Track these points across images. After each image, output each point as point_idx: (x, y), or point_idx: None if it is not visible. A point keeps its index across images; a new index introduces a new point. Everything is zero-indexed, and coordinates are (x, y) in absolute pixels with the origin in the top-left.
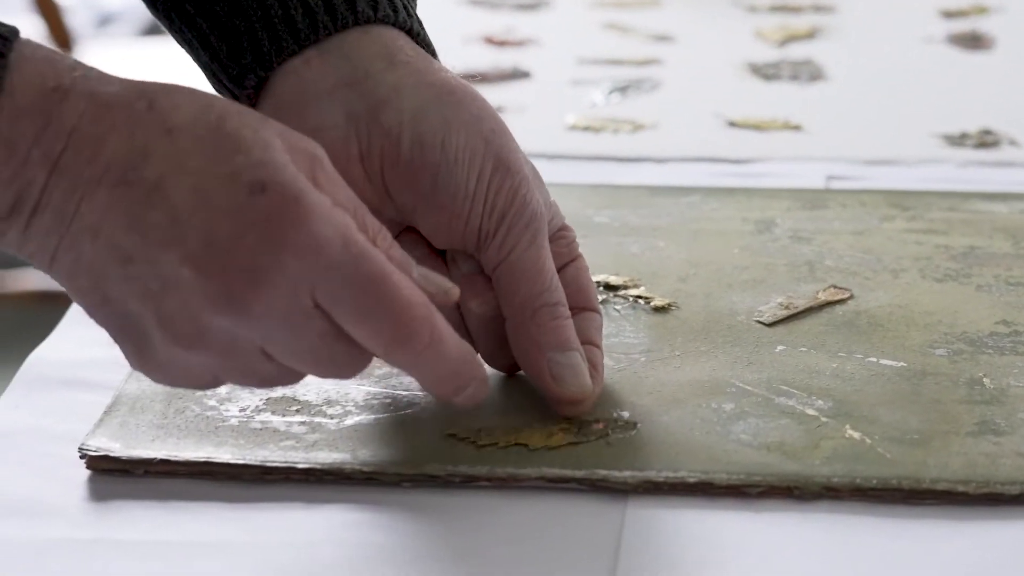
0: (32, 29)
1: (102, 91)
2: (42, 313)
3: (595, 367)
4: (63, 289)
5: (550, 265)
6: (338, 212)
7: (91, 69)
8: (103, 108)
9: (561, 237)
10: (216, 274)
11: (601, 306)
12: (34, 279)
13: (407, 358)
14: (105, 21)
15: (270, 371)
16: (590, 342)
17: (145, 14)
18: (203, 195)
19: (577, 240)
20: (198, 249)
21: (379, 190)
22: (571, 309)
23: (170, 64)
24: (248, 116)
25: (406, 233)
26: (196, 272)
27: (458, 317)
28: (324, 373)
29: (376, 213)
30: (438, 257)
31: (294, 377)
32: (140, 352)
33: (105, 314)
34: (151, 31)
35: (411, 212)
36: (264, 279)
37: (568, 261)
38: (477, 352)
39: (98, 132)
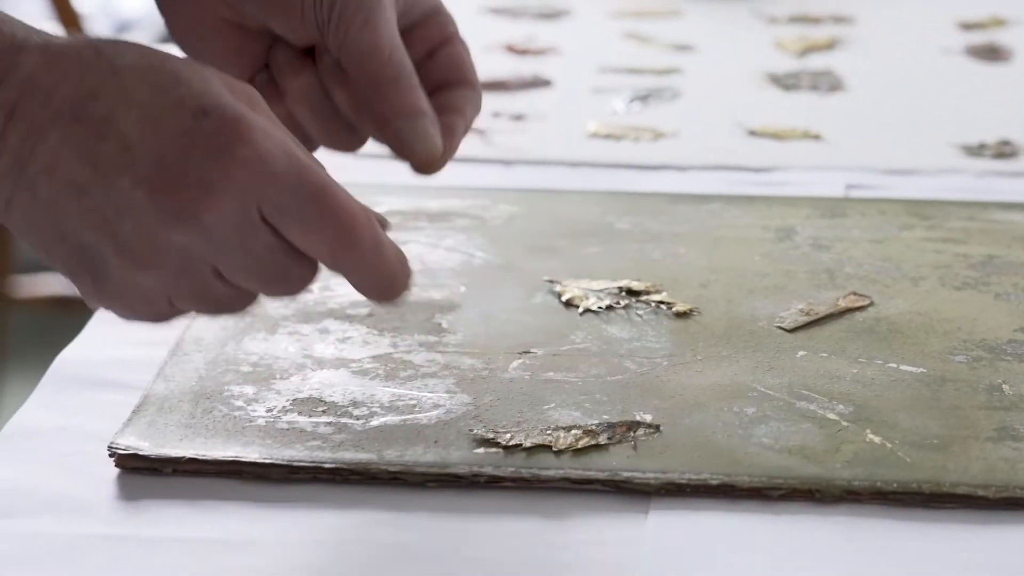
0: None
1: (54, 43)
2: (60, 318)
3: (451, 134)
4: (79, 295)
5: (389, 42)
6: (278, 131)
7: (42, 30)
8: (55, 57)
9: (430, 21)
10: (168, 192)
11: (622, 310)
12: (53, 285)
13: (352, 263)
14: (123, 28)
15: (222, 293)
16: (458, 111)
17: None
18: (151, 123)
19: (454, 22)
20: (149, 171)
21: (232, 5)
22: (446, 86)
23: None
24: (187, 60)
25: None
26: (149, 193)
27: (330, 110)
28: (273, 290)
29: (241, 30)
30: (307, 58)
31: (246, 300)
32: (97, 283)
33: (63, 251)
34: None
35: (263, 17)
36: (213, 190)
37: (439, 43)
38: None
39: (51, 80)
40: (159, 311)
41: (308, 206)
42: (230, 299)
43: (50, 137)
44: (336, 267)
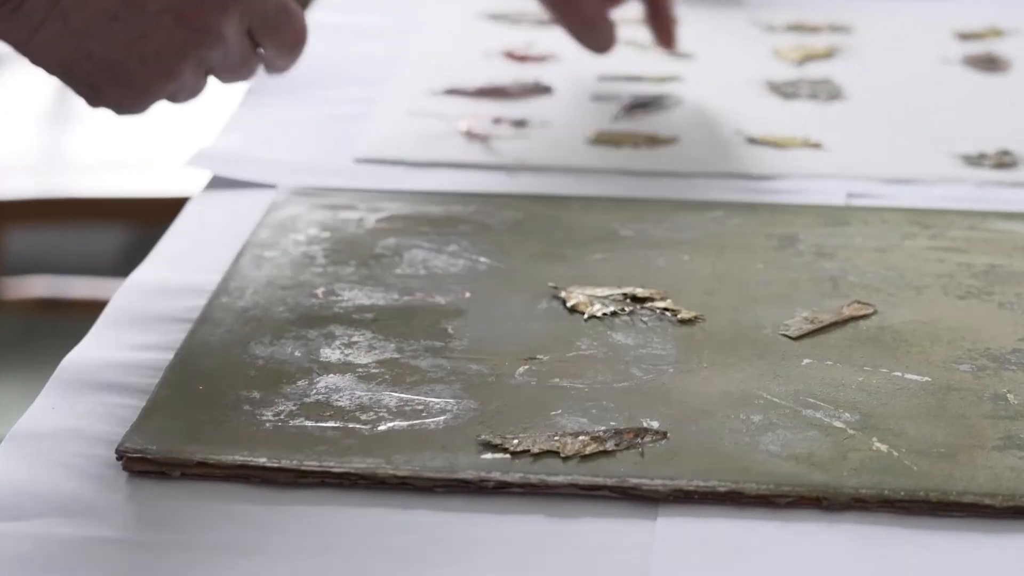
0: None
1: None
2: (48, 320)
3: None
4: (70, 297)
5: None
6: None
7: None
8: None
9: None
10: (193, 14)
11: (627, 317)
12: (40, 286)
13: (293, 57)
14: None
15: (202, 84)
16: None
17: None
18: None
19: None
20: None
21: None
22: None
23: None
24: None
25: None
26: (175, 16)
27: None
28: (232, 78)
29: None
30: None
31: (203, 88)
32: (119, 91)
33: (88, 68)
34: None
35: None
36: (227, 9)
37: None
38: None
39: None
40: (152, 103)
41: (279, 19)
42: (201, 87)
43: None
44: (280, 60)
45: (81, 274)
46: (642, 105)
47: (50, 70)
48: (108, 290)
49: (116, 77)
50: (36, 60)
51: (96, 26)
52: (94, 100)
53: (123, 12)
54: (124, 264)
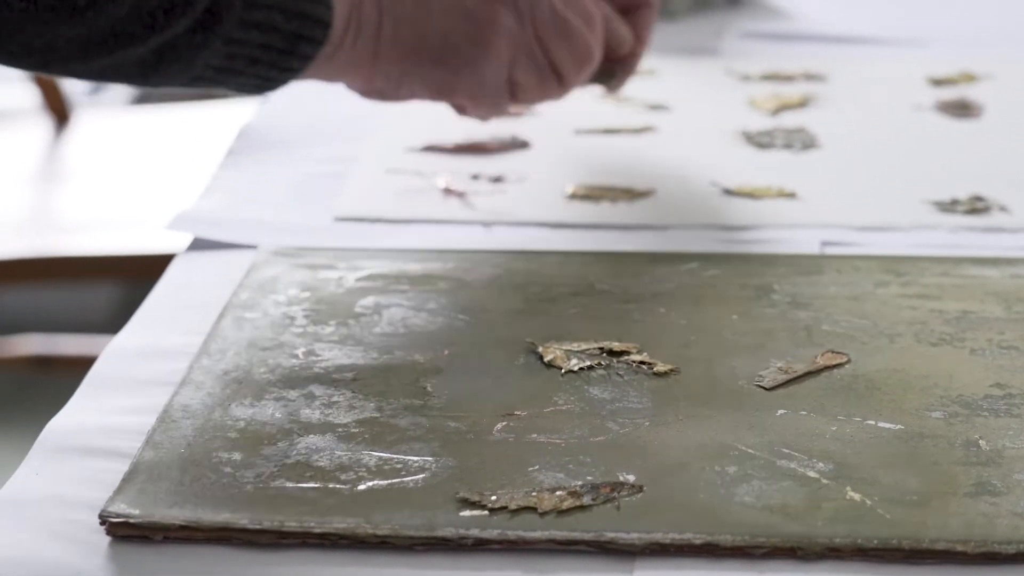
0: (29, 98)
1: None
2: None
3: (644, 28)
4: (61, 354)
5: None
6: None
7: None
8: None
9: None
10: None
11: (604, 371)
12: (31, 344)
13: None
14: (97, 89)
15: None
16: (641, 39)
17: None
18: None
19: None
20: None
21: None
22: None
23: (161, 131)
24: None
25: None
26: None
27: None
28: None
29: None
30: None
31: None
32: (457, 69)
33: (426, 50)
34: (142, 99)
35: None
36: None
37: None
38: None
39: None
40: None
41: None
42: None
43: None
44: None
45: (71, 331)
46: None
47: (397, 71)
48: (98, 347)
49: (456, 43)
50: (383, 69)
51: (415, 7)
52: (447, 89)
53: None
54: (114, 321)
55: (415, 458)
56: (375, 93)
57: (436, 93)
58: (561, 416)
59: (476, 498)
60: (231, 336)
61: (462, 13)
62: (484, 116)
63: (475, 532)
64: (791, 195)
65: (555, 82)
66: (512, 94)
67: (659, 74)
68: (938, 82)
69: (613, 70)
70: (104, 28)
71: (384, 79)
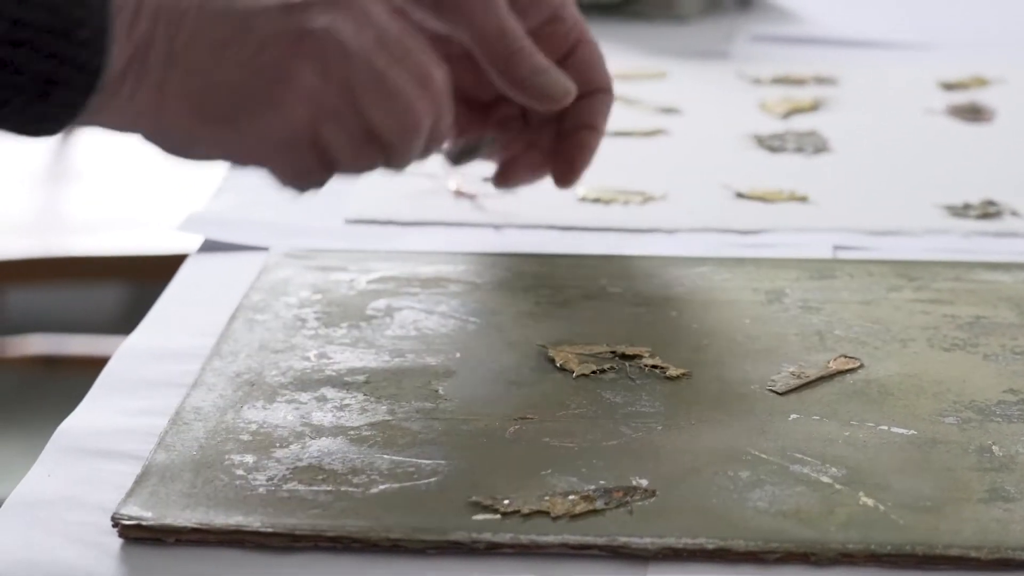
0: None
1: None
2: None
3: (586, 150)
4: (69, 355)
5: (508, 25)
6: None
7: None
8: None
9: (552, 26)
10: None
11: (616, 375)
12: (39, 344)
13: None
14: None
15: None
16: (591, 126)
17: None
18: None
19: (581, 22)
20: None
21: None
22: (581, 92)
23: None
24: None
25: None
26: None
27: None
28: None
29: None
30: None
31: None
32: (260, 116)
33: (216, 100)
34: None
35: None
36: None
37: (570, 48)
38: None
39: None
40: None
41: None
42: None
43: (187, 17)
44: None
45: (79, 332)
46: (467, 152)
47: (185, 125)
48: (107, 347)
49: (246, 101)
50: (168, 122)
51: (210, 58)
52: (236, 150)
53: (233, 38)
54: (122, 322)
55: (427, 461)
56: (170, 150)
57: (227, 154)
58: (573, 420)
59: (488, 502)
60: (243, 338)
61: (255, 67)
62: (294, 185)
63: (487, 536)
64: (803, 199)
65: (377, 149)
66: (324, 161)
67: (670, 77)
68: (949, 86)
69: (481, 140)
70: None
71: (173, 134)
